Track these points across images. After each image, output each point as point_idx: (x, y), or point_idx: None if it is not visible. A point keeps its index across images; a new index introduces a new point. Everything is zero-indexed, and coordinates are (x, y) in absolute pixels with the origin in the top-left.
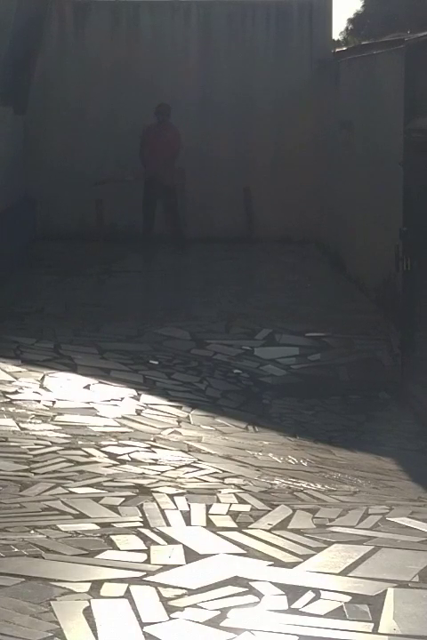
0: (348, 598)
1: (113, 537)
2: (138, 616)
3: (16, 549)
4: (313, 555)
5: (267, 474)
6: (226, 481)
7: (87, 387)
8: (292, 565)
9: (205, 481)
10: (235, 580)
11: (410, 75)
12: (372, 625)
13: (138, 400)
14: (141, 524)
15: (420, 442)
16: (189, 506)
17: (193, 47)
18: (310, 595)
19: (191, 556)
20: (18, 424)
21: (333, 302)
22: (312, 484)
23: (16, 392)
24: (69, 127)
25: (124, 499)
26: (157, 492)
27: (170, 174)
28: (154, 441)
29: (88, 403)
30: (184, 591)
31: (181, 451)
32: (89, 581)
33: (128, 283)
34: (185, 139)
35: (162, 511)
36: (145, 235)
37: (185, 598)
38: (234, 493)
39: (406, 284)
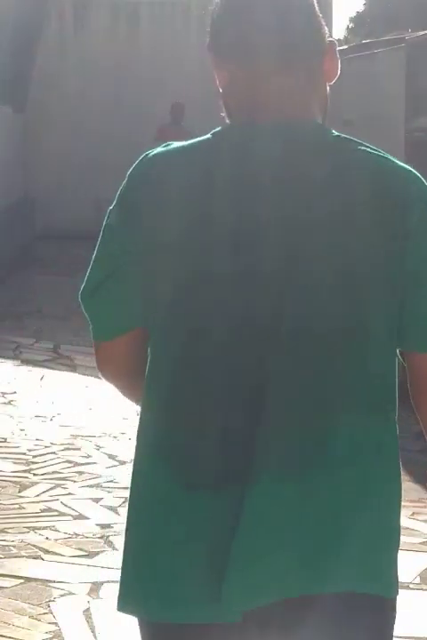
0: None
1: (112, 538)
2: None
3: (15, 550)
4: None
5: None
6: None
7: (87, 387)
8: None
9: None
10: None
11: (411, 73)
12: None
13: None
14: None
15: (420, 442)
16: None
17: (193, 46)
18: None
19: None
20: (17, 424)
21: None
22: None
23: (15, 392)
24: (69, 126)
25: (123, 499)
26: None
27: None
28: None
29: (88, 403)
30: None
31: None
32: (89, 583)
33: None
34: (185, 138)
35: None
36: None
37: None
38: None
39: None
